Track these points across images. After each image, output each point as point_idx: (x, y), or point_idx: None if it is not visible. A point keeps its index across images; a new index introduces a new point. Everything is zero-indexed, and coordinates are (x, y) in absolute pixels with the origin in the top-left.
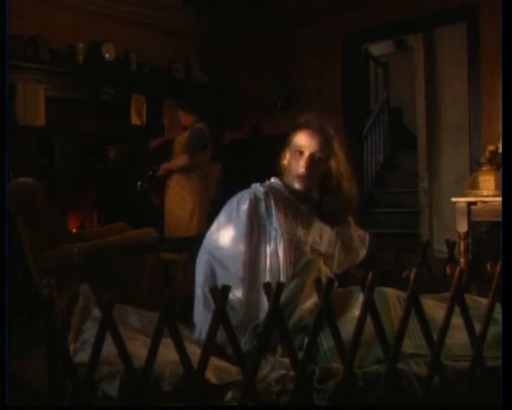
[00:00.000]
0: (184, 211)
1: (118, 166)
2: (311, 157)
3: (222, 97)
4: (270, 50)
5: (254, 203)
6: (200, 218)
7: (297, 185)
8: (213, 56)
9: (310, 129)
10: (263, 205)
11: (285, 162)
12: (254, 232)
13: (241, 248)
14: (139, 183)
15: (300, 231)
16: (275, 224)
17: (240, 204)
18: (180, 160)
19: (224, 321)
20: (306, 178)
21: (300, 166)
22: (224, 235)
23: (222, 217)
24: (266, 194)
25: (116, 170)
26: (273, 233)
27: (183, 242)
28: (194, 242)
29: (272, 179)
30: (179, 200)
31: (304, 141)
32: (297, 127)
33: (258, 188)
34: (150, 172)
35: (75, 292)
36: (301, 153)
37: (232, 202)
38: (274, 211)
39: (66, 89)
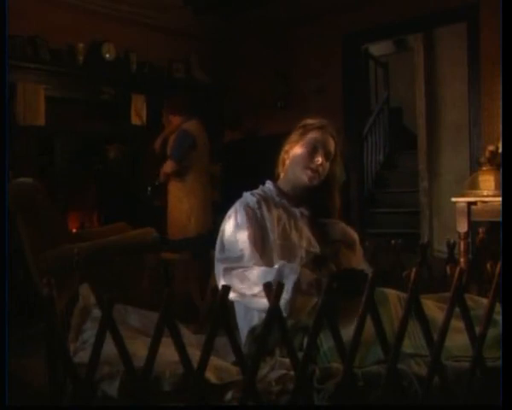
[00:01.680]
0: (181, 213)
1: (118, 166)
2: (326, 153)
3: (222, 97)
4: (270, 50)
5: (250, 212)
6: (197, 218)
7: (306, 177)
8: (213, 56)
9: (325, 129)
10: (258, 213)
11: (288, 159)
12: (256, 235)
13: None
14: (149, 188)
15: (294, 235)
16: (269, 231)
17: (237, 217)
18: (167, 167)
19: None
20: (318, 171)
21: (316, 159)
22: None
23: (222, 236)
24: (258, 203)
25: (116, 170)
26: (267, 241)
27: (184, 243)
28: (193, 242)
29: (266, 184)
30: (177, 202)
31: (321, 138)
32: (310, 126)
33: (250, 197)
34: (156, 183)
35: (75, 292)
36: (316, 148)
37: (229, 218)
38: (267, 218)
39: (66, 89)
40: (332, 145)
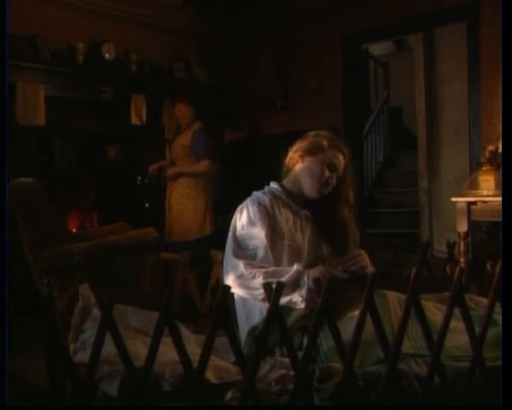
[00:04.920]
0: (197, 212)
1: (118, 166)
2: (336, 171)
3: (222, 97)
4: (270, 50)
5: (263, 210)
6: (212, 216)
7: (316, 193)
8: (213, 56)
9: (343, 152)
10: (270, 212)
11: (298, 164)
12: (270, 234)
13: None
14: (139, 177)
15: (299, 236)
16: (279, 231)
17: (251, 214)
18: (202, 166)
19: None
20: (327, 187)
21: (327, 178)
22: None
23: (234, 231)
24: (271, 202)
25: (116, 170)
26: (278, 240)
27: (197, 243)
28: (207, 241)
29: (271, 184)
30: (190, 201)
31: (338, 161)
32: (325, 143)
33: (261, 196)
34: (146, 181)
35: (75, 292)
36: (332, 170)
37: (241, 215)
38: (279, 218)
39: (66, 89)
40: (342, 162)
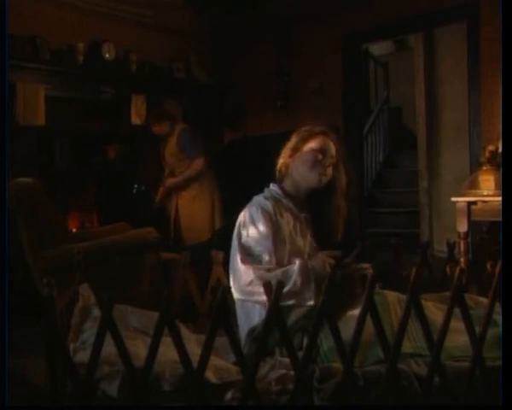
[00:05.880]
0: (205, 211)
1: (118, 166)
2: (330, 157)
3: (222, 97)
4: (270, 50)
5: (267, 216)
6: (220, 212)
7: (316, 180)
8: (213, 56)
9: (329, 137)
10: (273, 218)
11: (293, 162)
12: (275, 240)
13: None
14: (136, 185)
15: (300, 240)
16: (282, 236)
17: (256, 221)
18: (197, 165)
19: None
20: (326, 173)
21: (324, 162)
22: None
23: (239, 238)
24: (273, 208)
25: (116, 170)
26: (280, 245)
27: (209, 241)
28: (217, 236)
29: (271, 187)
30: (196, 203)
31: (326, 146)
32: (313, 132)
33: (263, 202)
34: (135, 187)
35: (75, 292)
36: (323, 152)
37: (245, 222)
38: (281, 223)
39: (66, 89)
40: (331, 147)
